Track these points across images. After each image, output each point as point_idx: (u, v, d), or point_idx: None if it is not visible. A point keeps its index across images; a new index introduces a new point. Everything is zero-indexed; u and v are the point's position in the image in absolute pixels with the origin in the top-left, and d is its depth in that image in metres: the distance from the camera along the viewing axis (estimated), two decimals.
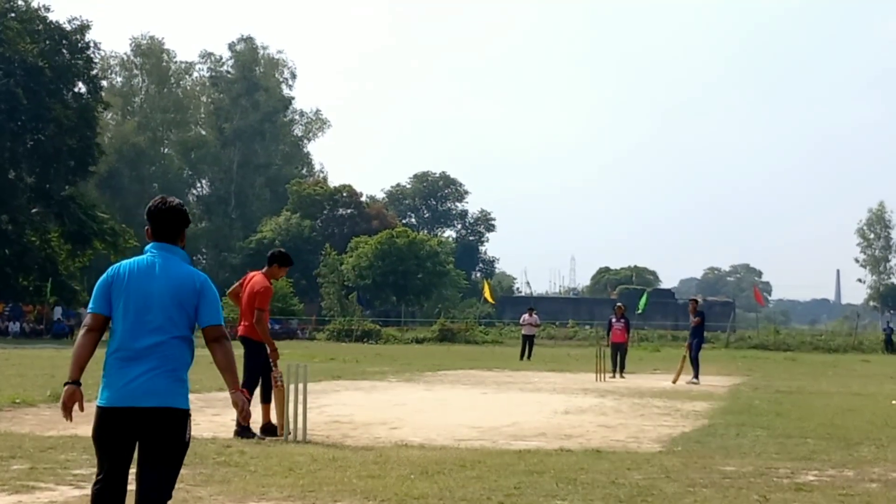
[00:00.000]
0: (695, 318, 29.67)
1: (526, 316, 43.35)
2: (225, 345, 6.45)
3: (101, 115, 79.12)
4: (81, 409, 6.38)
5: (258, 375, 13.95)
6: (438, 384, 26.05)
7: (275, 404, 13.93)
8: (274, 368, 13.86)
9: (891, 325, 65.83)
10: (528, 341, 42.55)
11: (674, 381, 27.83)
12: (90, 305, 6.43)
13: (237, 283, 14.73)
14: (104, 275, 6.48)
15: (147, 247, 6.53)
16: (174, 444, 6.25)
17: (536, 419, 17.24)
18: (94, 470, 6.39)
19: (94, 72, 73.54)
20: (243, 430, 13.33)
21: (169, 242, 6.52)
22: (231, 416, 16.52)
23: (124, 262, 6.52)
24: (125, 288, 6.32)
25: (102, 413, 6.23)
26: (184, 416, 6.30)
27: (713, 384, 27.45)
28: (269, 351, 13.92)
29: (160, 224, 6.50)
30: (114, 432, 6.19)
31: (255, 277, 14.39)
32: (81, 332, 6.39)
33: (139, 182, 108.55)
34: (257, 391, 14.04)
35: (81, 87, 70.91)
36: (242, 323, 14.25)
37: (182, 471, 6.66)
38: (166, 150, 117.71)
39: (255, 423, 13.50)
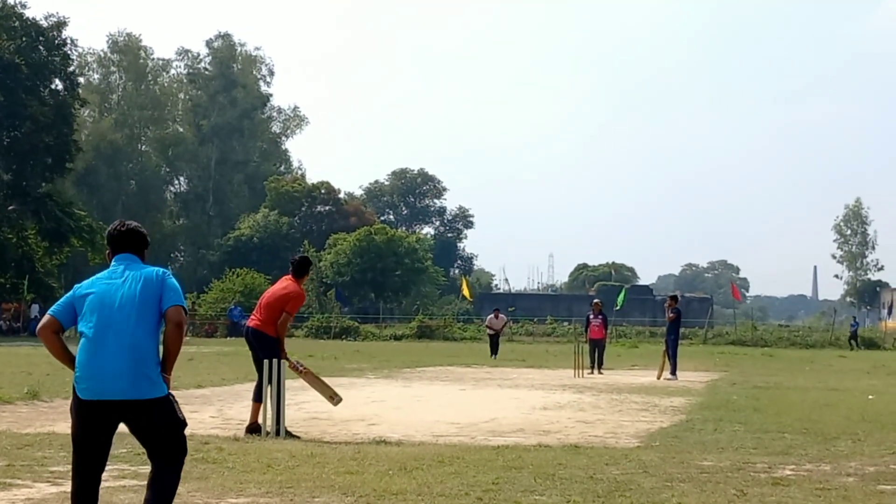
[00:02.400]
0: (671, 315, 29.70)
1: (492, 317, 42.83)
2: (181, 332, 6.68)
3: (77, 112, 78.61)
4: None
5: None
6: (417, 381, 26.07)
7: (310, 384, 14.88)
8: (290, 361, 14.18)
9: (857, 321, 66.09)
10: (494, 339, 41.84)
11: (658, 378, 27.90)
12: (52, 308, 6.75)
13: None
14: (73, 289, 6.82)
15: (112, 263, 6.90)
16: (170, 425, 6.61)
17: (515, 415, 17.27)
18: (70, 467, 6.60)
19: (71, 69, 73.09)
20: (253, 428, 13.67)
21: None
22: (209, 413, 16.54)
23: (93, 278, 6.84)
24: (90, 298, 6.64)
25: (79, 405, 6.52)
26: (166, 401, 6.60)
27: (691, 380, 27.51)
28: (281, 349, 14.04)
29: (120, 247, 6.86)
30: (92, 423, 6.48)
31: (290, 283, 14.38)
32: (44, 335, 6.67)
33: (116, 179, 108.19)
34: (253, 386, 14.14)
35: (58, 84, 70.47)
36: (258, 317, 14.26)
37: None
38: (144, 147, 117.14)
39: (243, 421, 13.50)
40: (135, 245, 6.88)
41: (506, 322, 45.20)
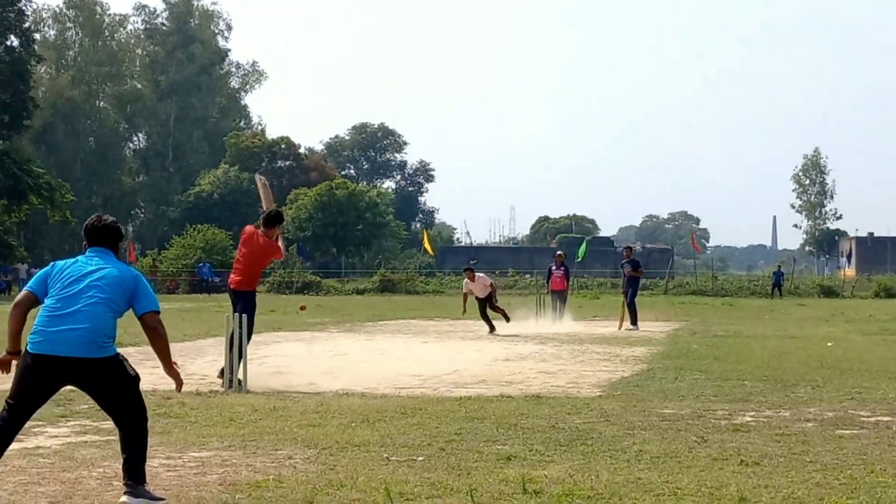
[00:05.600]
0: (629, 269, 29.78)
1: (466, 281, 29.17)
2: (161, 335, 7.27)
3: (34, 69, 77.85)
4: (7, 372, 7.09)
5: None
6: (379, 334, 26.10)
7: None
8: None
9: (782, 271, 66.34)
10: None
11: (619, 328, 27.99)
12: (29, 283, 7.12)
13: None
14: (49, 265, 7.18)
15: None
16: (123, 383, 6.95)
17: (477, 367, 17.31)
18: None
19: (27, 25, 72.39)
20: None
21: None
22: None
23: (69, 259, 7.23)
24: (62, 274, 6.96)
25: (31, 358, 6.76)
26: (115, 360, 6.91)
27: (652, 330, 27.68)
28: None
29: (95, 240, 7.17)
30: (38, 377, 6.76)
31: (261, 236, 14.78)
32: (15, 307, 6.97)
33: (74, 136, 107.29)
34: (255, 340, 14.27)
35: (13, 41, 69.74)
36: (235, 277, 14.65)
37: None
38: (102, 103, 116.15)
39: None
40: (109, 239, 7.21)
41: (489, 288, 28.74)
